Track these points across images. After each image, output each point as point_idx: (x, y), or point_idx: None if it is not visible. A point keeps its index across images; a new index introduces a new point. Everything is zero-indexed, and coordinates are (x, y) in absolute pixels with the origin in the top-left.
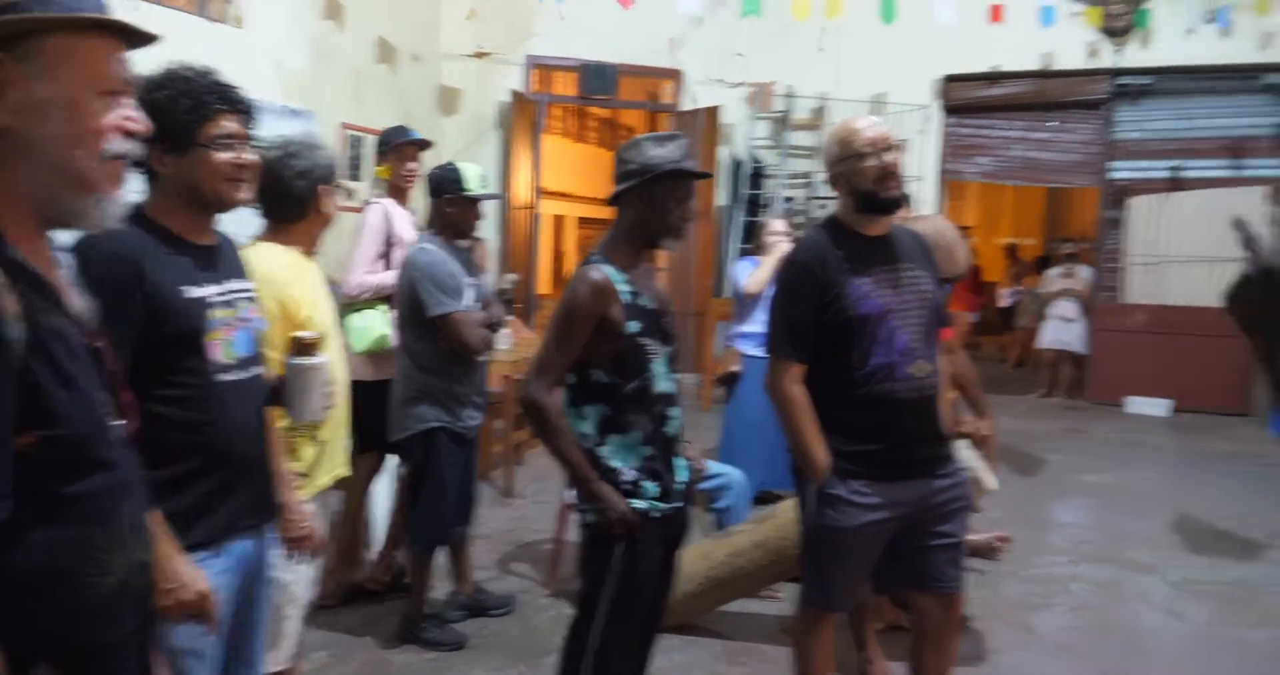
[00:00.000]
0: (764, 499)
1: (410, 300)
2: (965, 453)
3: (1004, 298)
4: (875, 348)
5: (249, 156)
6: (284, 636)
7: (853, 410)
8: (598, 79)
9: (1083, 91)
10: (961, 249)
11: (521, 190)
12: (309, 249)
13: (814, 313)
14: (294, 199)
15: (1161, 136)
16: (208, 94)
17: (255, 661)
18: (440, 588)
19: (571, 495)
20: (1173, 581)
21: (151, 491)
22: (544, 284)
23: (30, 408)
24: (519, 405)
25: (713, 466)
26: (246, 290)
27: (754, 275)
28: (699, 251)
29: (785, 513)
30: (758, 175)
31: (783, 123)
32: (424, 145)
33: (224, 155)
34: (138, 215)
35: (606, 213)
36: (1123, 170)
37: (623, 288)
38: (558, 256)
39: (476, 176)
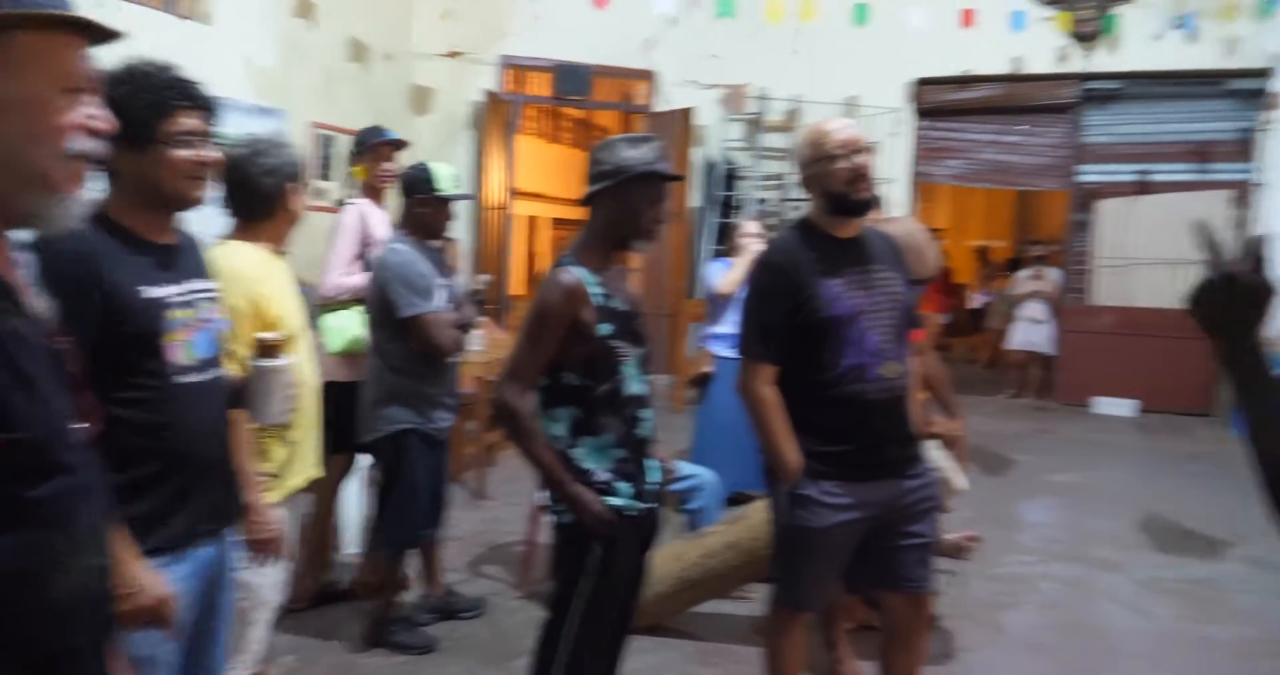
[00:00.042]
0: (736, 500)
1: (381, 301)
2: (935, 453)
3: (974, 299)
4: (846, 349)
5: (210, 154)
6: (252, 641)
7: (824, 411)
8: (572, 80)
9: (1052, 96)
10: (932, 251)
11: (494, 191)
12: (277, 247)
13: (786, 314)
14: (261, 197)
15: (1129, 140)
16: (168, 90)
17: (216, 669)
18: (411, 590)
19: (543, 497)
20: (1139, 580)
21: (111, 496)
22: (517, 285)
23: None
24: (492, 409)
25: (684, 468)
26: (208, 290)
27: (726, 276)
28: (672, 253)
29: (757, 514)
30: (731, 177)
31: (756, 125)
32: (400, 145)
33: (184, 153)
34: (97, 214)
35: (580, 214)
36: (1091, 173)
37: (594, 290)
38: (531, 257)
39: (449, 176)
